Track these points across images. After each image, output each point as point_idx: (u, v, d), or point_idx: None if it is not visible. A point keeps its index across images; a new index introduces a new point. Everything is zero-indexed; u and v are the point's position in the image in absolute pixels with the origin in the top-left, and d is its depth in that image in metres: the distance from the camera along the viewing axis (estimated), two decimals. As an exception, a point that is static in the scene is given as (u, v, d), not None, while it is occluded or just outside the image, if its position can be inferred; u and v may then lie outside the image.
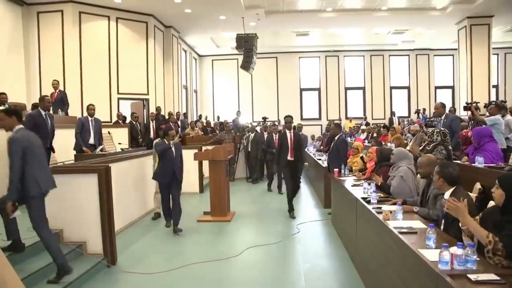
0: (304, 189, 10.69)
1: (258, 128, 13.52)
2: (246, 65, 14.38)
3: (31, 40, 12.10)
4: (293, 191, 7.51)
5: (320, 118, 20.18)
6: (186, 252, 5.56)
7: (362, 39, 18.42)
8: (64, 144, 7.64)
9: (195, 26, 15.53)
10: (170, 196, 6.54)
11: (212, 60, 20.88)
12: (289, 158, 7.52)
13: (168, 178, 6.40)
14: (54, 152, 6.67)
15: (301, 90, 20.58)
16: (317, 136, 17.42)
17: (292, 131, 7.71)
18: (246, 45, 14.10)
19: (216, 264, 5.01)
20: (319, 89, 20.46)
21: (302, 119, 19.69)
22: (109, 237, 5.05)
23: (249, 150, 12.23)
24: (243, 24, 14.25)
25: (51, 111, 7.17)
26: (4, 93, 8.25)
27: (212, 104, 20.91)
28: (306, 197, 9.62)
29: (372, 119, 19.18)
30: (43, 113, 6.58)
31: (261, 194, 10.21)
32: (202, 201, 8.91)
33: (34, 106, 7.72)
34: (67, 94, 10.09)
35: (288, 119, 7.57)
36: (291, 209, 7.48)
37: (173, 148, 6.45)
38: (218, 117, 18.65)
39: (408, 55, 20.10)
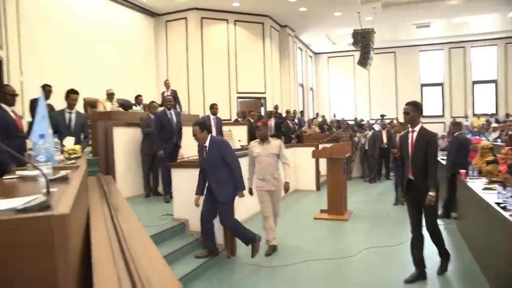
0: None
1: (376, 126, 13.05)
2: (363, 61, 14.00)
3: (161, 46, 13.36)
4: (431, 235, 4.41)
5: (443, 115, 18.79)
6: (302, 248, 5.58)
7: (495, 25, 16.63)
8: (188, 140, 8.19)
9: (310, 24, 15.55)
10: None
11: (328, 58, 20.71)
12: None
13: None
14: (180, 148, 7.17)
15: (422, 85, 19.38)
16: (440, 134, 16.24)
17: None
18: (363, 40, 13.73)
19: (332, 263, 4.95)
20: (442, 84, 19.08)
21: (423, 116, 18.47)
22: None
23: (366, 148, 11.89)
24: (359, 19, 13.89)
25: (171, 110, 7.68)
26: (140, 95, 9.16)
27: (329, 101, 20.74)
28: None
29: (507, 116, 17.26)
30: (167, 112, 7.08)
31: (379, 194, 9.84)
32: (319, 199, 8.88)
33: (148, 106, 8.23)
34: (190, 93, 10.78)
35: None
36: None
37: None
38: (335, 115, 18.43)
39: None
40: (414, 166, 4.17)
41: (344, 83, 20.34)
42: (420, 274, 4.25)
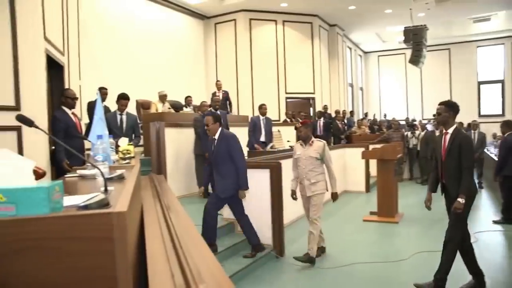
0: (483, 192, 9.63)
1: (429, 126, 12.63)
2: (415, 59, 13.58)
3: (210, 48, 13.64)
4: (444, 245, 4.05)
5: (503, 114, 17.83)
6: (352, 250, 5.50)
7: None
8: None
9: (359, 23, 15.31)
10: None
11: (378, 56, 20.29)
12: None
13: None
14: None
15: (479, 83, 18.51)
16: (498, 135, 15.46)
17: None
18: (414, 38, 13.30)
19: (382, 266, 4.84)
20: (502, 81, 18.12)
21: (480, 115, 17.67)
22: (278, 229, 5.30)
23: (418, 149, 11.55)
24: (411, 16, 13.48)
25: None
26: (189, 96, 9.38)
27: (379, 101, 20.30)
28: (485, 202, 8.63)
29: None
30: (218, 112, 7.17)
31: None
32: (369, 201, 8.72)
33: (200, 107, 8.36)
34: (239, 94, 10.90)
35: None
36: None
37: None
38: (385, 115, 18.01)
39: None
40: (446, 170, 3.97)
41: (395, 82, 19.83)
42: (478, 283, 3.98)
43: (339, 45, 15.78)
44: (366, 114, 17.86)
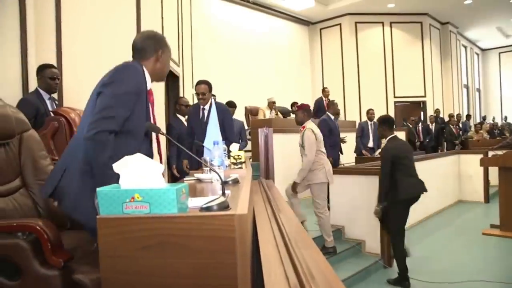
0: None
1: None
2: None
3: (315, 54, 13.68)
4: None
5: None
6: (468, 266, 5.09)
7: None
8: (345, 146, 8.17)
9: (477, 18, 14.16)
10: None
11: (499, 53, 18.57)
12: None
13: None
14: (342, 154, 7.19)
15: None
16: None
17: None
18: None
19: (504, 287, 4.41)
20: None
21: None
22: (386, 238, 5.12)
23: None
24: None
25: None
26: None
27: (500, 103, 18.52)
28: None
29: None
30: (332, 117, 7.12)
31: None
32: (488, 212, 8.00)
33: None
34: (345, 99, 10.74)
35: None
36: None
37: None
38: (506, 118, 16.41)
39: None
40: None
41: (520, 81, 17.97)
42: None
43: (452, 44, 14.76)
44: (484, 118, 16.43)
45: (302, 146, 4.70)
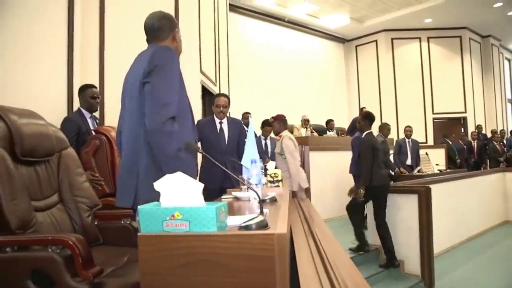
0: None
1: None
2: None
3: (351, 71, 13.66)
4: None
5: None
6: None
7: None
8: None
9: (521, 28, 13.67)
10: None
11: (545, 66, 17.82)
12: None
13: None
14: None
15: None
16: None
17: None
18: None
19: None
20: None
21: None
22: (427, 259, 4.95)
23: None
24: None
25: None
26: (331, 120, 9.47)
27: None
28: None
29: None
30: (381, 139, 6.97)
31: None
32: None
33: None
34: (382, 116, 10.60)
35: None
36: None
37: None
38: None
39: None
40: None
41: None
42: None
43: (494, 58, 14.30)
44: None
45: (280, 154, 4.77)
